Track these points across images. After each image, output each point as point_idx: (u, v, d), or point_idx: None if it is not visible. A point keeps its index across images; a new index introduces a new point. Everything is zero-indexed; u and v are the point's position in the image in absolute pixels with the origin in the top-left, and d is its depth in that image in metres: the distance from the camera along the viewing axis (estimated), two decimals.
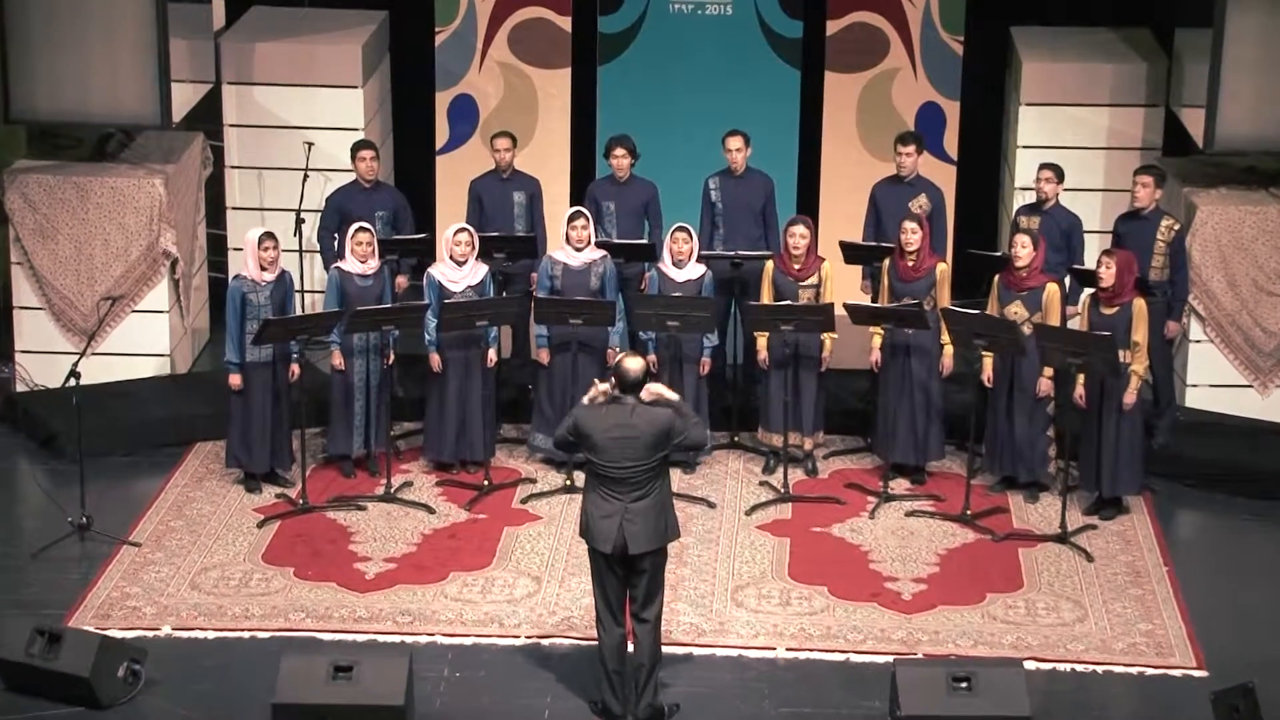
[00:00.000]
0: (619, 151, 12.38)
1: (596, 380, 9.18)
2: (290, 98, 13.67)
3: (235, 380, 11.38)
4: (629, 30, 13.91)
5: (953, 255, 12.77)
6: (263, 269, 11.30)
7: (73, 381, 10.91)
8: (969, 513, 11.28)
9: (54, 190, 12.67)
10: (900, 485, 11.70)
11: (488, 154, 12.82)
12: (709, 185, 12.44)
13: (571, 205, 12.87)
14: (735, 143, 12.33)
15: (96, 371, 12.34)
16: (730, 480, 11.86)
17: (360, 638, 9.96)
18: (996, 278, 11.43)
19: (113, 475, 11.77)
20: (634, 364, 9.03)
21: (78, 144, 13.16)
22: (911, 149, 12.27)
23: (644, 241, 12.34)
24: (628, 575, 9.06)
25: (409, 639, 9.95)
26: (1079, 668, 9.80)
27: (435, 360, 11.64)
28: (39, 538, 10.92)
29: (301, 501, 11.37)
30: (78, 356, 11.33)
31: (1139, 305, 11.04)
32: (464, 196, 12.68)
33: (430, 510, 11.39)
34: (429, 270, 11.71)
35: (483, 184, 12.62)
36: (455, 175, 13.44)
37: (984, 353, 11.32)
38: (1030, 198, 12.42)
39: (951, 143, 13.86)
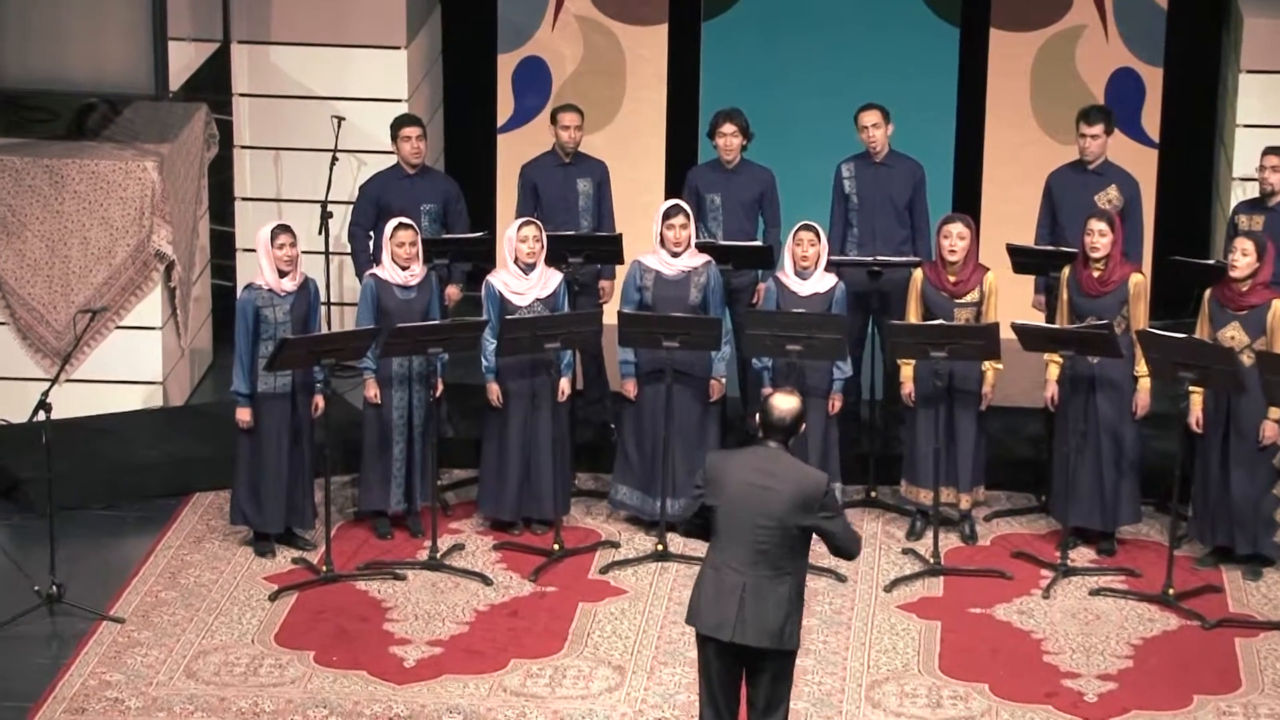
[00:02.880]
0: (728, 129, 12.38)
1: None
2: (316, 61, 13.76)
3: (244, 415, 11.44)
4: None
5: (1151, 264, 12.69)
6: (280, 274, 11.35)
7: (42, 415, 10.99)
8: (1172, 592, 11.21)
9: (21, 175, 12.80)
10: (1083, 556, 11.64)
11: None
12: (841, 173, 12.43)
13: (667, 197, 12.88)
14: (869, 118, 12.30)
15: (72, 403, 12.43)
16: (866, 547, 11.80)
17: None
18: (1208, 293, 11.36)
19: (90, 533, 11.85)
20: (785, 403, 8.95)
21: (52, 118, 13.29)
22: (1099, 128, 12.20)
23: (758, 243, 12.33)
24: (742, 673, 8.99)
25: None
26: None
27: (494, 392, 11.67)
28: None
29: (325, 569, 11.42)
30: (48, 384, 11.42)
31: None
32: None
33: (486, 581, 11.42)
34: (488, 278, 11.74)
35: (538, 170, 12.64)
36: (521, 159, 13.46)
37: (1192, 388, 11.25)
38: (1252, 190, 12.35)
39: (1151, 120, 13.80)
